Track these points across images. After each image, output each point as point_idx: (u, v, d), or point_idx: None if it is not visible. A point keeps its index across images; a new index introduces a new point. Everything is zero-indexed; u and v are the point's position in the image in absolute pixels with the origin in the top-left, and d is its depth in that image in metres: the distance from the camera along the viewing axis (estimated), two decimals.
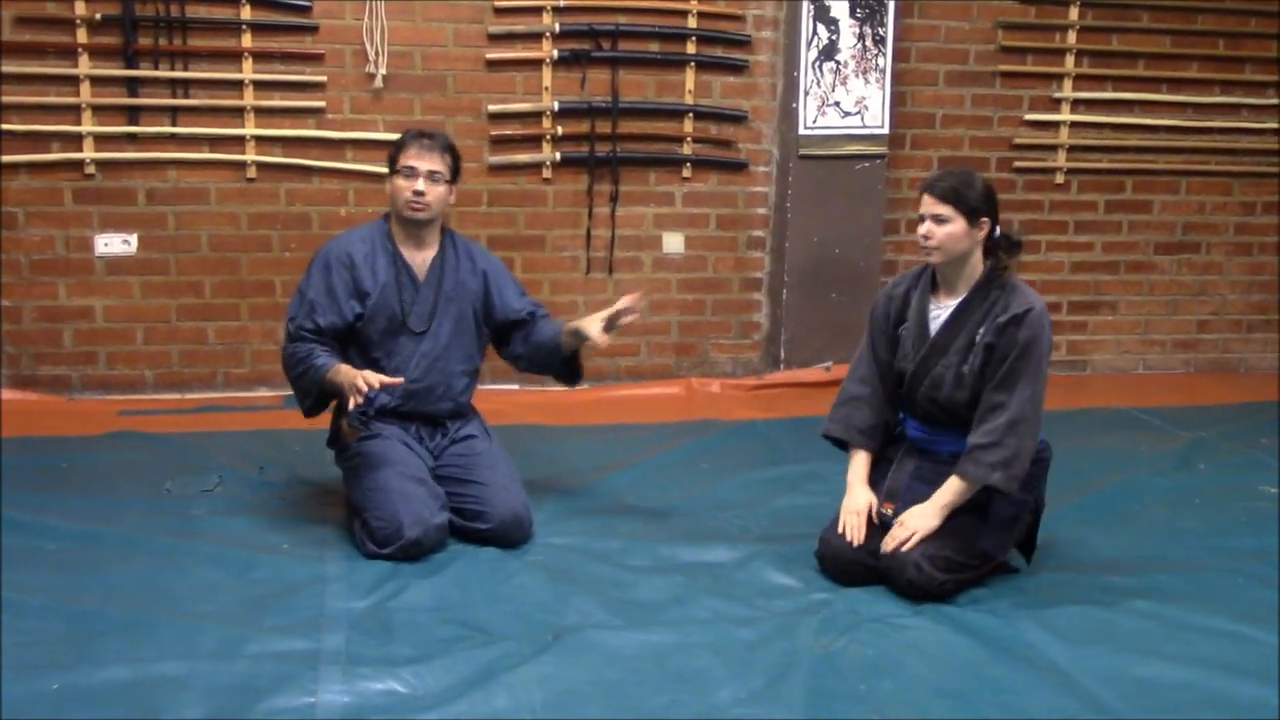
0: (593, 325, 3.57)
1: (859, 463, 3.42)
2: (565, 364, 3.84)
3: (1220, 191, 5.99)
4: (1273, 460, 4.54)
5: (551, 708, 2.61)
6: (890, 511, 3.27)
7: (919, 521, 3.20)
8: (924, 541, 3.16)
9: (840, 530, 3.30)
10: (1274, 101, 5.90)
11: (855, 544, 3.26)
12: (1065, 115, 5.73)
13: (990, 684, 2.75)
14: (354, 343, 3.65)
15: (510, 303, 3.77)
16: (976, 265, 3.28)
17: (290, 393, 5.18)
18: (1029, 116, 5.72)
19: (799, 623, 3.01)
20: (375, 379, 3.34)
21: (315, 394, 3.60)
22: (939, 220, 3.20)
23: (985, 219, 3.23)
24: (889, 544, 3.21)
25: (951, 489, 3.20)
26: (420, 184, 3.55)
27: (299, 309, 3.60)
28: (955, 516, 3.20)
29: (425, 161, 3.56)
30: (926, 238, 3.22)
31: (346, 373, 3.44)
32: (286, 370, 3.65)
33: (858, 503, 3.34)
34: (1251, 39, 5.83)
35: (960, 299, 3.29)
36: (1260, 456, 4.60)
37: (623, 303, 3.57)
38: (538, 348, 3.77)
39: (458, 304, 3.70)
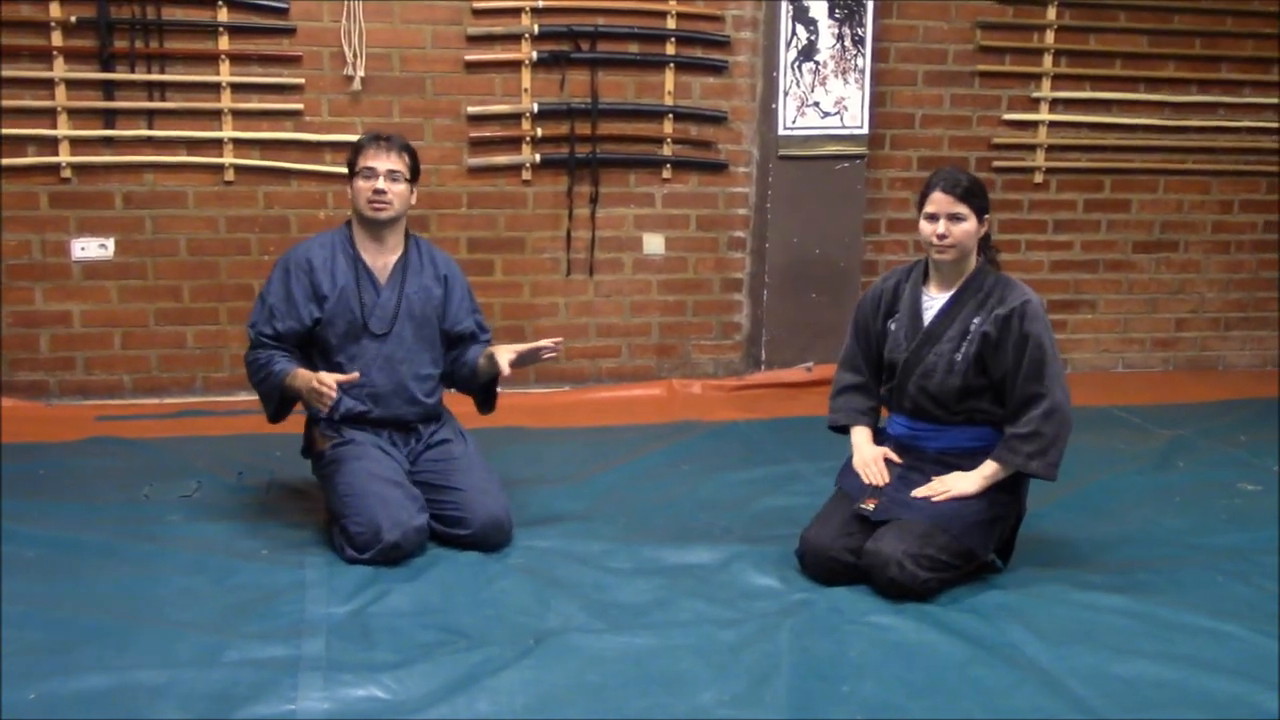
0: (503, 355, 3.57)
1: (863, 432, 3.50)
2: (483, 389, 3.84)
3: (1198, 190, 6.02)
4: (1252, 457, 4.56)
5: (533, 711, 2.60)
6: (872, 507, 3.28)
7: (959, 483, 3.25)
8: (907, 540, 3.16)
9: (865, 480, 3.34)
10: (1250, 100, 5.93)
11: (880, 485, 3.31)
12: (1044, 115, 5.75)
13: (972, 683, 2.75)
14: (316, 347, 3.65)
15: (460, 316, 3.77)
16: (972, 259, 3.34)
17: None
18: (1008, 116, 5.73)
19: (781, 623, 3.01)
20: (331, 379, 3.37)
21: (276, 400, 3.64)
22: (956, 219, 3.25)
23: (988, 216, 3.32)
24: (922, 491, 3.25)
25: (991, 467, 3.26)
26: (380, 183, 3.55)
27: (259, 315, 3.63)
28: (937, 515, 3.21)
29: (383, 161, 3.56)
30: (943, 236, 3.25)
31: (304, 377, 3.47)
32: (249, 378, 3.68)
33: (871, 452, 3.42)
34: (1228, 38, 5.86)
35: (954, 290, 3.34)
36: (1239, 454, 4.62)
37: (543, 342, 3.58)
38: (460, 365, 3.77)
39: (421, 307, 3.68)
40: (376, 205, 3.57)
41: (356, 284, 3.63)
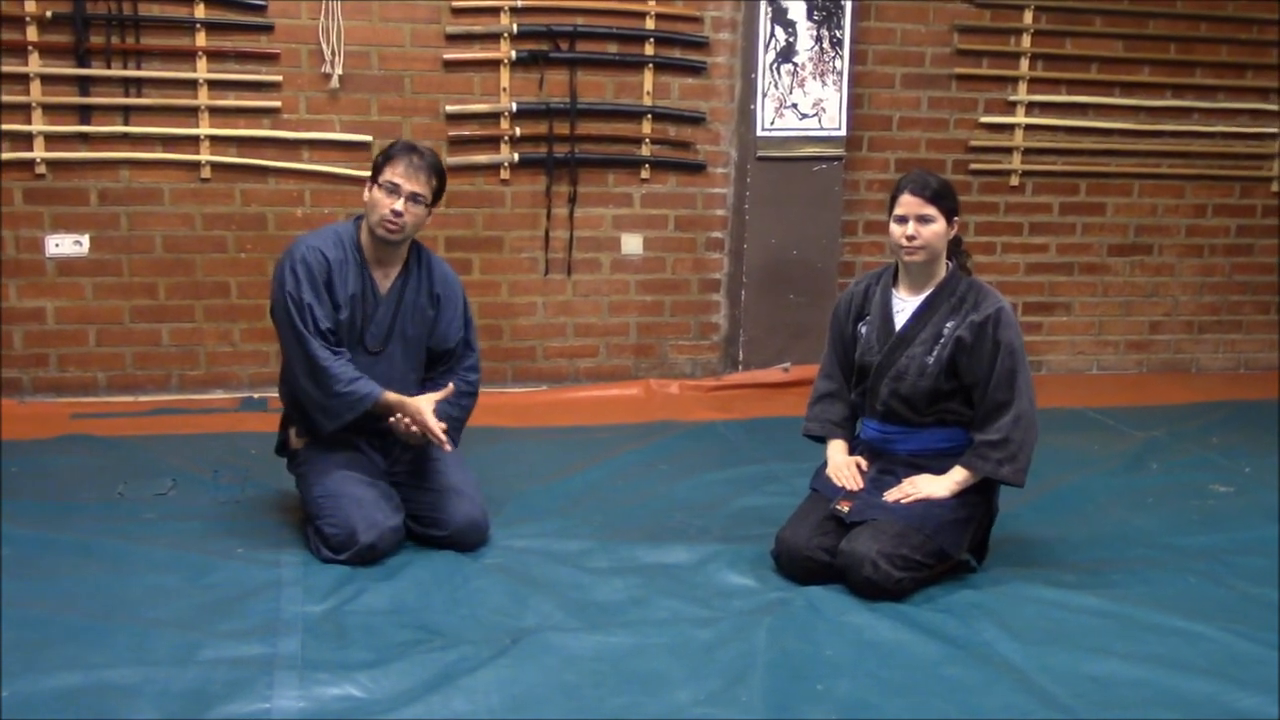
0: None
1: (837, 445, 3.54)
2: None
3: (1172, 194, 6.06)
4: (1224, 459, 4.60)
5: (509, 710, 2.60)
6: (847, 509, 3.29)
7: (929, 486, 3.28)
8: (881, 540, 3.18)
9: (838, 483, 3.38)
10: (1224, 105, 5.97)
11: (854, 489, 3.35)
12: (1020, 118, 5.78)
13: (946, 682, 2.77)
14: None
15: (447, 334, 3.64)
16: (942, 263, 3.35)
17: (246, 395, 5.19)
18: (984, 119, 5.76)
19: (756, 622, 3.02)
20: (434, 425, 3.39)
21: (350, 418, 3.42)
22: (925, 220, 3.27)
23: (957, 218, 3.34)
24: (893, 494, 3.28)
25: (962, 473, 3.30)
26: (400, 204, 3.38)
27: (304, 314, 3.40)
28: (910, 515, 3.22)
29: (410, 183, 3.39)
30: (912, 238, 3.26)
31: (409, 405, 3.43)
32: (315, 385, 3.40)
33: (845, 458, 3.47)
34: (1202, 43, 5.90)
35: (925, 294, 3.36)
36: (1212, 456, 4.66)
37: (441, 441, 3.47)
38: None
39: (413, 328, 3.58)
40: (390, 226, 3.41)
41: (362, 295, 3.50)
